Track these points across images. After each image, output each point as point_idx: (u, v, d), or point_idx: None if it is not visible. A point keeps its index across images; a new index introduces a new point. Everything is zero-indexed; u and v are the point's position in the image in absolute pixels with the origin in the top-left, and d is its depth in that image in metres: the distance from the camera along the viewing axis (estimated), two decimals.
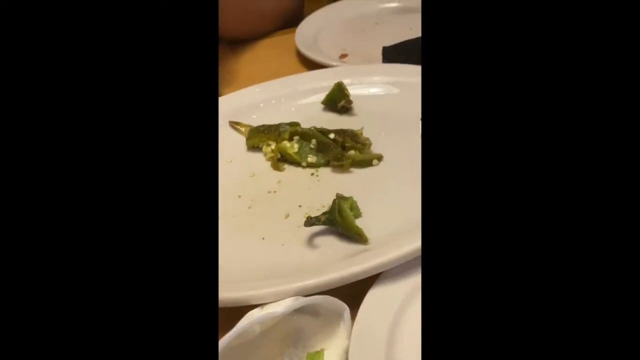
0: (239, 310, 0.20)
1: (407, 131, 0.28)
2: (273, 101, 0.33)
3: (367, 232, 0.23)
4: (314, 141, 0.28)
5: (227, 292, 0.20)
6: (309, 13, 0.47)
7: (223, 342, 0.19)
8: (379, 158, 0.27)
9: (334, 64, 0.37)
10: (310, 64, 0.38)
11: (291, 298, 0.20)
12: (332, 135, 0.28)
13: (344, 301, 0.19)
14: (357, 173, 0.27)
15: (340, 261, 0.22)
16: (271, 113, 0.32)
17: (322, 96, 0.32)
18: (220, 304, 0.20)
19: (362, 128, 0.29)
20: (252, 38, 0.45)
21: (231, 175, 0.28)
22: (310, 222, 0.24)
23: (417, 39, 0.36)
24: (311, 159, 0.28)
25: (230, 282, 0.21)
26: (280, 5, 0.46)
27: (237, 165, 0.29)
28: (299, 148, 0.28)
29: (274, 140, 0.29)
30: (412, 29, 0.40)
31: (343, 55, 0.39)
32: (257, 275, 0.22)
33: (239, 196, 0.27)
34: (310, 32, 0.43)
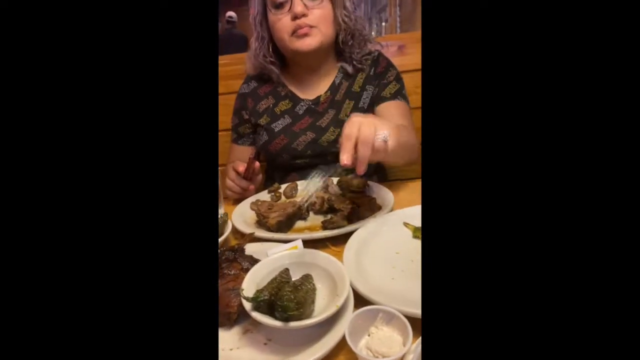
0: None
1: None
2: None
3: None
4: None
5: (419, 310, 0.40)
6: None
7: (420, 341, 0.36)
8: None
9: None
10: None
11: None
12: None
13: None
14: None
15: None
16: None
17: None
18: (415, 316, 0.39)
19: None
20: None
21: (406, 249, 0.55)
22: None
23: None
24: None
25: (418, 307, 0.40)
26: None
27: (409, 245, 0.56)
28: None
29: None
30: None
31: None
32: None
33: (412, 261, 0.54)
34: None
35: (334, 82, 0.90)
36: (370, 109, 0.89)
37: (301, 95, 0.91)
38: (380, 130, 0.54)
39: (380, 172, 1.00)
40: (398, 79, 0.91)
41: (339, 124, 0.86)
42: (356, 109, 0.88)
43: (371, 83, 0.90)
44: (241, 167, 0.78)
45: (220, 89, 1.13)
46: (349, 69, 0.89)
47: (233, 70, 1.11)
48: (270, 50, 0.88)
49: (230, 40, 3.90)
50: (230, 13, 4.21)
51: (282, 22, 0.80)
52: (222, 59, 1.22)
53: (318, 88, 0.91)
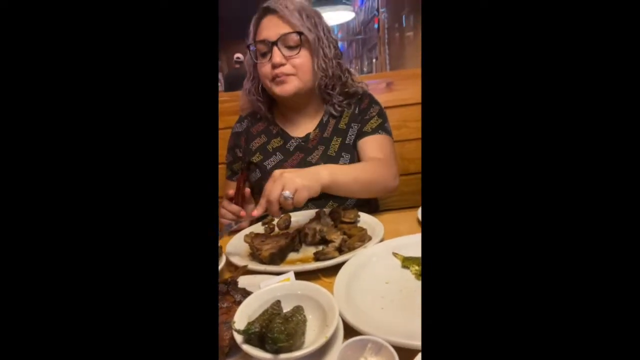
0: (411, 352, 0.39)
1: None
2: (415, 246, 0.63)
3: None
4: None
5: (407, 340, 0.39)
6: None
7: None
8: None
9: None
10: None
11: None
12: None
13: None
14: None
15: None
16: (415, 251, 0.61)
17: None
18: (403, 346, 0.39)
19: None
20: None
21: (395, 279, 0.56)
22: None
23: None
24: None
25: (406, 337, 0.40)
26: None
27: (398, 275, 0.57)
28: None
29: (417, 265, 0.58)
30: None
31: None
32: (418, 334, 0.37)
33: (401, 291, 0.55)
34: None
35: (321, 120, 0.96)
36: (356, 145, 0.94)
37: (291, 134, 0.96)
38: (286, 189, 0.65)
39: (372, 203, 1.03)
40: (380, 114, 0.96)
41: (329, 159, 0.91)
42: (343, 144, 0.93)
43: (355, 120, 0.95)
44: (231, 191, 0.84)
45: (220, 124, 1.18)
46: (333, 110, 0.95)
47: (232, 107, 1.17)
48: (260, 90, 0.95)
49: (237, 79, 4.13)
50: (238, 55, 4.49)
51: (265, 69, 0.88)
52: (222, 96, 1.28)
53: (307, 126, 0.96)
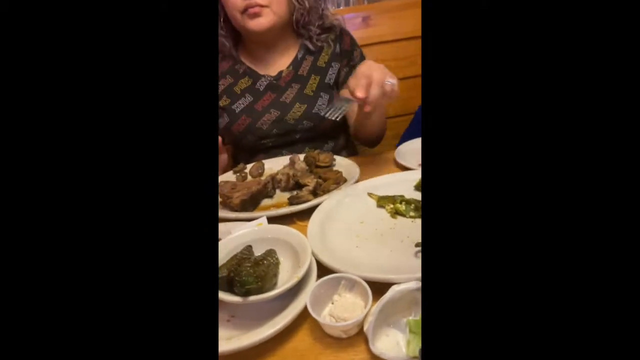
0: (384, 285, 0.38)
1: None
2: (391, 185, 0.62)
3: None
4: (412, 205, 0.56)
5: (380, 274, 0.40)
6: None
7: (380, 302, 0.34)
8: None
9: (416, 168, 0.67)
10: (403, 168, 0.70)
11: (414, 282, 0.36)
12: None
13: None
14: None
15: None
16: (390, 190, 0.60)
17: (413, 183, 0.62)
18: (377, 280, 0.40)
19: None
20: None
21: (370, 218, 0.56)
22: (418, 245, 0.48)
23: None
24: (412, 213, 0.55)
25: (380, 272, 0.41)
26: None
27: (373, 214, 0.57)
28: (405, 207, 0.56)
29: (392, 203, 0.57)
30: None
31: (419, 164, 0.70)
32: (391, 269, 0.42)
33: (376, 229, 0.54)
34: (403, 149, 0.76)
35: (296, 57, 0.88)
36: (335, 86, 0.88)
37: (261, 72, 0.88)
38: (390, 77, 0.59)
39: (349, 147, 1.00)
40: (362, 57, 0.91)
41: (305, 99, 0.84)
42: (322, 83, 0.86)
43: (336, 59, 0.88)
44: None
45: None
46: (310, 46, 0.87)
47: None
48: (222, 22, 0.84)
49: None
50: None
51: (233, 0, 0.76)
52: None
53: (278, 64, 0.88)
